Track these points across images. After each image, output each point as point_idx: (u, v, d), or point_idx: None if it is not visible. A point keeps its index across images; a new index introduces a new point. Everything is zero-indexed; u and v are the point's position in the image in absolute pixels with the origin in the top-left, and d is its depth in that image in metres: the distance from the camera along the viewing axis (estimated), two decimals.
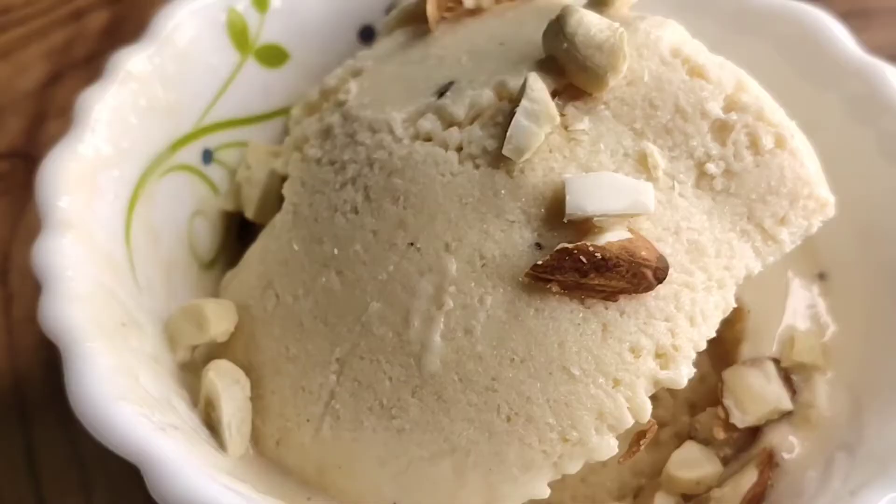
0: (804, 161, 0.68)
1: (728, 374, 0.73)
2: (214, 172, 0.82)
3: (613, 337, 0.62)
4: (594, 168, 0.65)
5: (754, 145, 0.67)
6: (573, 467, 0.61)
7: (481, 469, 0.61)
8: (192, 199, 0.80)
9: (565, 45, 0.65)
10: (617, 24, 0.66)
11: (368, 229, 0.66)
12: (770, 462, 0.70)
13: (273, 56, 0.85)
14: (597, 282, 0.61)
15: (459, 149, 0.66)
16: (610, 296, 0.62)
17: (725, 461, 0.72)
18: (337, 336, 0.65)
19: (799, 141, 0.68)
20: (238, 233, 0.84)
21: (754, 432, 0.73)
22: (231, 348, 0.70)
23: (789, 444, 0.71)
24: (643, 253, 0.61)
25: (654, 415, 0.72)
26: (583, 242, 0.60)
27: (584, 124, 0.66)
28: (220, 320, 0.69)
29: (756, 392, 0.72)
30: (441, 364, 0.62)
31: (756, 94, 0.68)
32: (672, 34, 0.69)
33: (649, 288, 0.62)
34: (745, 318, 0.75)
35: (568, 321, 0.62)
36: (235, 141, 0.84)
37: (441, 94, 0.70)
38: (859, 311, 0.77)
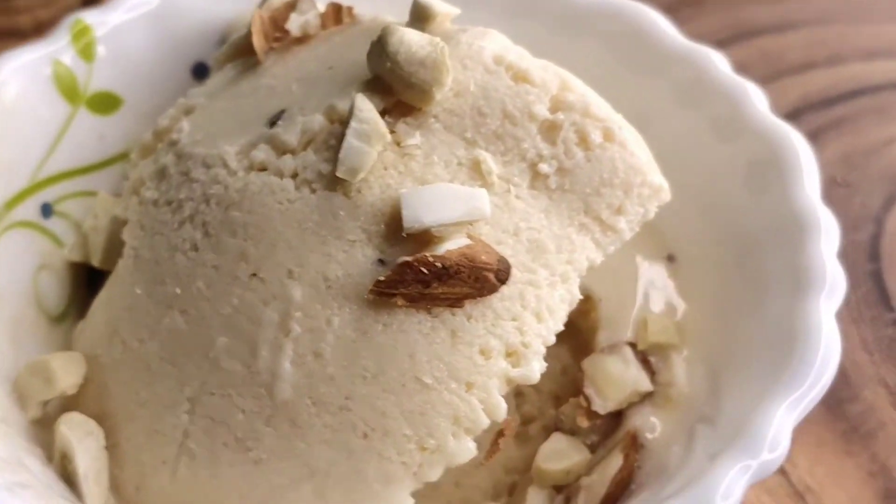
0: (634, 150, 0.70)
1: (587, 363, 0.75)
2: (56, 225, 0.81)
3: (463, 342, 0.63)
4: (429, 180, 0.65)
5: (583, 141, 0.69)
6: (434, 474, 0.62)
7: (342, 488, 0.61)
8: (34, 254, 0.78)
9: (389, 64, 0.66)
10: (437, 39, 0.67)
11: (210, 265, 0.65)
12: (634, 444, 0.72)
13: (105, 103, 0.84)
14: (440, 290, 0.62)
15: (295, 175, 0.66)
16: (455, 302, 0.63)
17: (593, 448, 0.74)
18: (186, 375, 0.64)
19: (627, 132, 0.70)
20: (87, 283, 0.82)
21: (618, 417, 0.74)
22: (83, 399, 0.68)
23: (652, 423, 0.73)
24: (483, 257, 0.62)
25: (520, 411, 0.75)
26: (422, 254, 0.61)
27: (415, 139, 0.66)
28: (67, 373, 0.68)
29: (615, 377, 0.73)
30: (293, 390, 0.62)
31: (581, 91, 0.70)
32: (493, 43, 0.70)
33: (493, 290, 0.63)
34: (597, 308, 0.77)
35: (417, 332, 0.62)
36: (77, 191, 0.83)
37: (273, 123, 0.70)
38: (708, 289, 0.79)
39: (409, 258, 0.61)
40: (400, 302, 0.62)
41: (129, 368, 0.66)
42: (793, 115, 1.07)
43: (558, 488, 0.72)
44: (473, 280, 0.62)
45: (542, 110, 0.68)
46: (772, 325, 0.70)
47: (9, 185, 0.77)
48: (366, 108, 0.65)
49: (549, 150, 0.68)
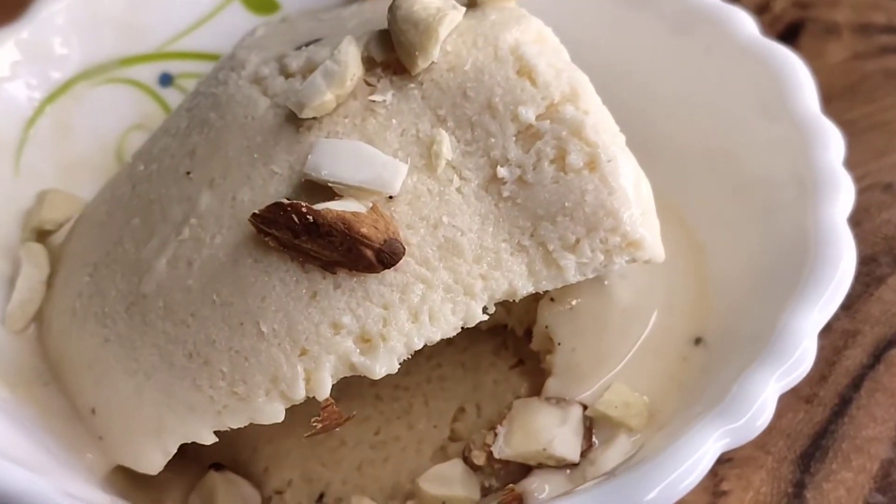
0: (615, 190, 0.62)
1: (520, 404, 0.68)
2: (172, 95, 0.87)
3: (318, 307, 0.60)
4: (374, 141, 0.63)
5: (560, 160, 0.62)
6: (235, 422, 0.60)
7: (155, 397, 0.61)
8: (134, 113, 0.85)
9: (390, 16, 0.64)
10: (450, 8, 0.63)
11: (170, 153, 0.68)
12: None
13: (263, 2, 0.88)
14: (309, 246, 0.59)
15: (275, 97, 0.67)
16: (328, 265, 0.60)
17: (485, 492, 0.67)
18: (102, 242, 0.68)
19: (619, 168, 0.62)
20: None
21: (525, 471, 0.67)
22: (55, 239, 0.74)
23: (546, 490, 0.65)
24: (363, 230, 0.59)
25: (451, 426, 0.70)
26: (298, 201, 0.59)
27: (384, 97, 0.64)
28: (54, 209, 0.74)
29: (533, 428, 0.66)
30: (156, 287, 0.63)
31: (585, 108, 0.63)
32: (522, 32, 0.65)
33: (371, 269, 0.60)
34: (553, 350, 0.69)
35: (279, 279, 0.60)
36: (203, 73, 0.88)
37: (299, 47, 0.70)
38: (712, 387, 0.68)
39: (284, 200, 0.59)
40: (271, 243, 0.60)
41: (87, 222, 0.72)
42: None
43: None
44: (346, 249, 0.59)
45: (529, 114, 0.63)
46: None
47: (131, 46, 0.84)
48: (346, 52, 0.64)
49: (518, 156, 0.62)
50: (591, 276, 0.63)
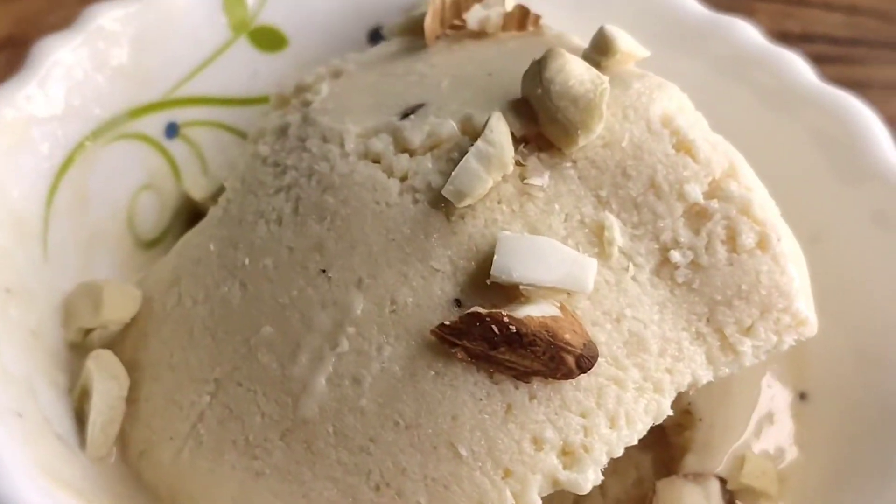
0: (786, 269, 0.60)
1: (663, 485, 0.65)
2: (177, 148, 0.77)
3: (516, 422, 0.55)
4: (541, 230, 0.57)
5: (731, 240, 0.60)
6: None
7: None
8: (143, 171, 0.75)
9: (539, 91, 0.58)
10: (604, 79, 0.58)
11: (285, 244, 0.60)
12: None
13: (269, 39, 0.80)
14: (507, 357, 0.54)
15: (404, 178, 0.60)
16: (522, 375, 0.55)
17: None
18: (221, 354, 0.59)
19: (786, 246, 0.61)
20: (190, 221, 0.78)
21: None
22: (122, 340, 0.64)
23: None
24: (567, 336, 0.54)
25: None
26: (498, 310, 0.53)
27: (542, 180, 0.59)
28: (116, 307, 0.64)
29: None
30: (318, 411, 0.56)
31: (748, 184, 0.61)
32: (668, 100, 0.62)
33: (569, 376, 0.55)
34: (694, 427, 0.67)
35: (469, 394, 0.55)
36: (210, 120, 0.79)
37: (405, 115, 0.63)
38: (831, 442, 0.68)
39: (481, 310, 0.53)
40: (460, 355, 0.55)
41: (174, 325, 0.62)
42: None
43: None
44: (548, 358, 0.54)
45: (696, 192, 0.59)
46: None
47: (139, 94, 0.74)
48: (499, 130, 0.58)
49: (690, 238, 0.59)
50: (763, 359, 0.61)
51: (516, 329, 0.53)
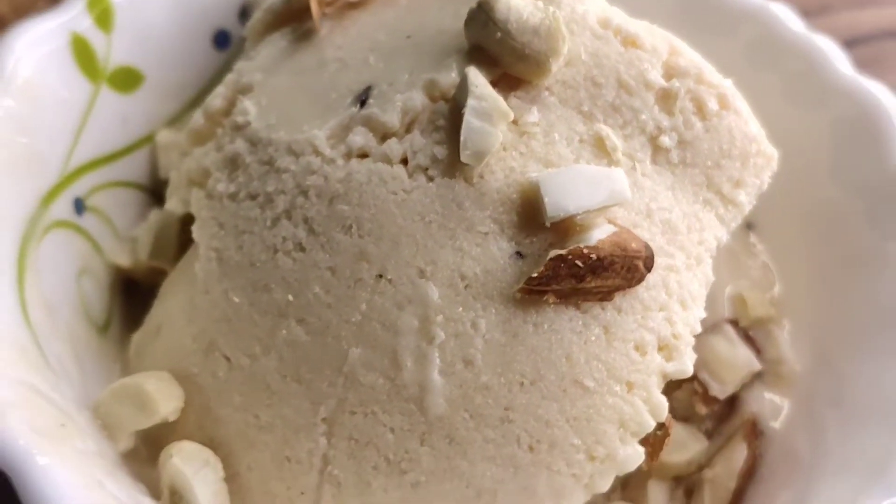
0: (748, 118, 0.66)
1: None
2: (90, 223, 0.72)
3: (617, 338, 0.58)
4: (553, 161, 0.60)
5: (700, 110, 0.65)
6: (605, 485, 0.57)
7: None
8: (75, 257, 0.70)
9: (499, 34, 0.60)
10: (541, 4, 0.61)
11: (324, 267, 0.58)
12: (755, 431, 0.69)
13: (126, 79, 0.75)
14: (593, 284, 0.57)
15: (405, 161, 0.60)
16: (606, 296, 0.58)
17: (709, 435, 0.70)
18: (317, 393, 0.57)
19: (739, 98, 0.66)
20: (125, 289, 0.74)
21: (730, 400, 0.71)
22: (181, 427, 0.61)
23: (769, 408, 0.70)
24: (633, 245, 0.58)
25: None
26: (576, 246, 0.56)
27: (533, 115, 0.61)
28: (167, 397, 0.60)
29: (726, 358, 0.70)
30: (447, 403, 0.56)
31: (690, 56, 0.66)
32: (594, 4, 0.65)
33: (641, 279, 0.59)
34: None
35: (569, 331, 0.57)
36: (105, 182, 0.74)
37: (362, 102, 0.62)
38: (796, 258, 0.76)
39: (562, 251, 0.56)
40: (551, 299, 0.57)
41: (241, 388, 0.59)
42: None
43: (677, 479, 0.68)
44: (626, 271, 0.57)
45: (657, 77, 0.64)
46: (886, 297, 0.68)
47: (42, 179, 0.68)
48: (481, 83, 0.59)
49: (668, 121, 0.63)
50: (754, 202, 0.67)
51: (597, 256, 0.56)
